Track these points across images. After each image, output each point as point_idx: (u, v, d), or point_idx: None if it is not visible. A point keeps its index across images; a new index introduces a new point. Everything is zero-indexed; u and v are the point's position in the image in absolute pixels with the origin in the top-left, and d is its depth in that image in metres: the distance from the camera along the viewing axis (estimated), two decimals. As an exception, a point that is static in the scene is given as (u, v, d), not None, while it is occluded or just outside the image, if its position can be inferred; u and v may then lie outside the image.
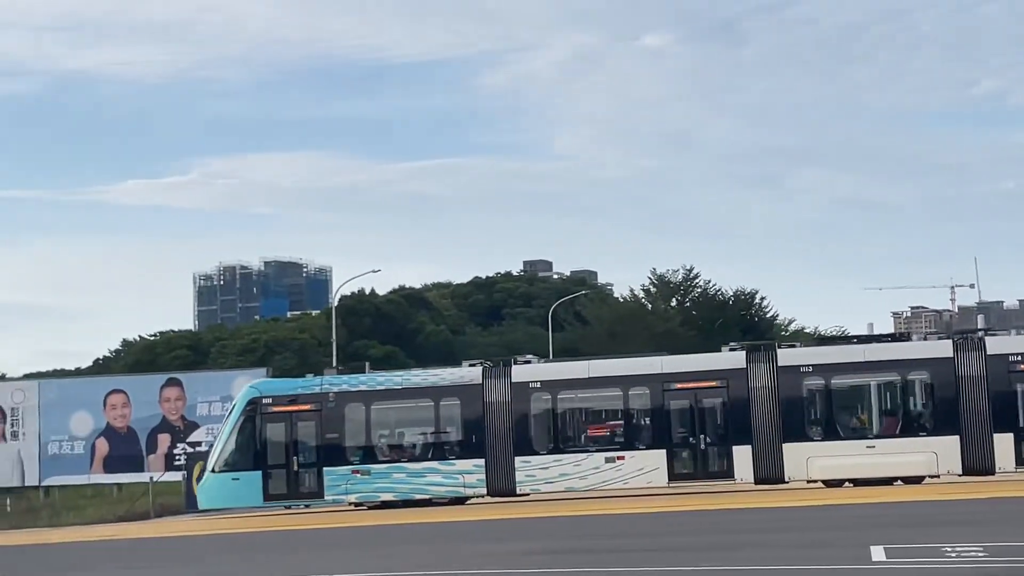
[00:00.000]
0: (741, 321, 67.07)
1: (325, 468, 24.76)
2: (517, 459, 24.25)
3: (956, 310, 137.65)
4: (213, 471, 25.21)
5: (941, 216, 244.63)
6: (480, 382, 24.74)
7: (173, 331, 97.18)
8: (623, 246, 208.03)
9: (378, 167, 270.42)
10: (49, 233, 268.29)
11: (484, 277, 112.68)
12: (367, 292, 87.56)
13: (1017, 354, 23.60)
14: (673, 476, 24.01)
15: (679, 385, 24.31)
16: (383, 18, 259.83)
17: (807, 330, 72.40)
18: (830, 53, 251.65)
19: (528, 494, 24.62)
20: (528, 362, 25.90)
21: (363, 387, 25.46)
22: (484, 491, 24.59)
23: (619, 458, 24.11)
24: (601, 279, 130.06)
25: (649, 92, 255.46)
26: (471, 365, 25.76)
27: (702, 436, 24.23)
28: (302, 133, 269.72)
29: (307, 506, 25.75)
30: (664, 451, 24.02)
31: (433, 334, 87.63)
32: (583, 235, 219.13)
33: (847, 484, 23.52)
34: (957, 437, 23.27)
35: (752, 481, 23.83)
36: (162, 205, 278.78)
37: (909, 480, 23.68)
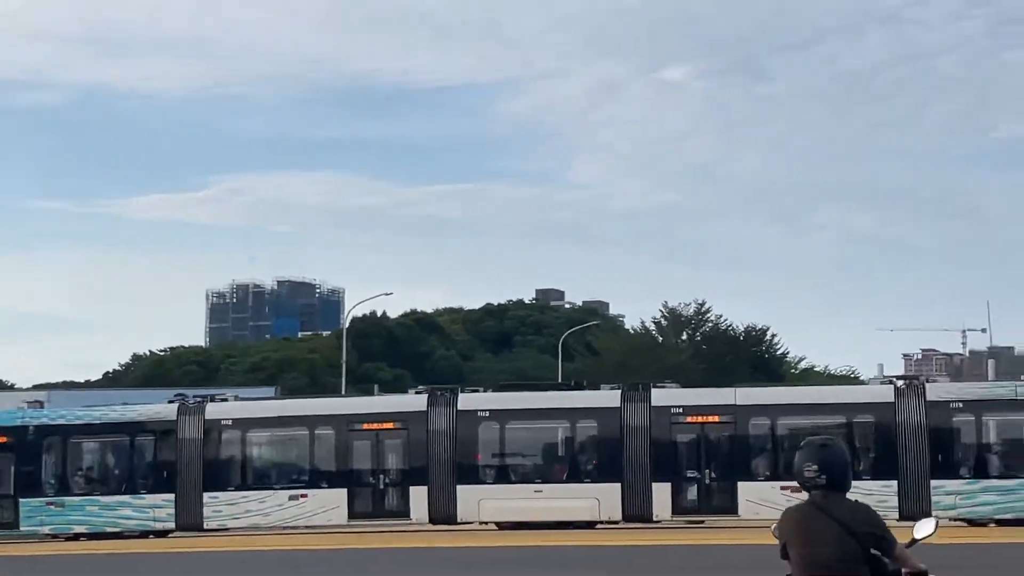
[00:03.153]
0: (752, 357, 67.62)
1: (21, 499, 25.23)
2: (206, 495, 24.90)
3: (967, 354, 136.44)
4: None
5: (957, 259, 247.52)
6: (174, 418, 25.41)
7: (183, 347, 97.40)
8: (636, 278, 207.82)
9: (395, 190, 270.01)
10: (67, 244, 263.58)
11: (496, 304, 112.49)
12: (379, 315, 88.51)
13: (679, 406, 24.83)
14: (353, 514, 24.79)
15: (362, 426, 25.19)
16: (408, 40, 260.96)
17: (817, 368, 73.32)
18: (851, 92, 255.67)
19: (216, 529, 25.27)
20: (225, 399, 26.62)
21: (61, 421, 26.03)
22: (173, 525, 25.21)
23: (302, 496, 24.86)
24: (613, 310, 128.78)
25: (669, 125, 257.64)
26: (170, 401, 26.42)
27: (382, 476, 25.10)
28: (322, 153, 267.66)
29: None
30: (345, 490, 24.81)
31: (443, 359, 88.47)
32: (597, 266, 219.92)
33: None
34: (619, 484, 24.38)
35: (427, 521, 24.71)
36: (180, 220, 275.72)
37: (581, 524, 24.72)
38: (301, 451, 25.98)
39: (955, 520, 23.63)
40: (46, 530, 25.53)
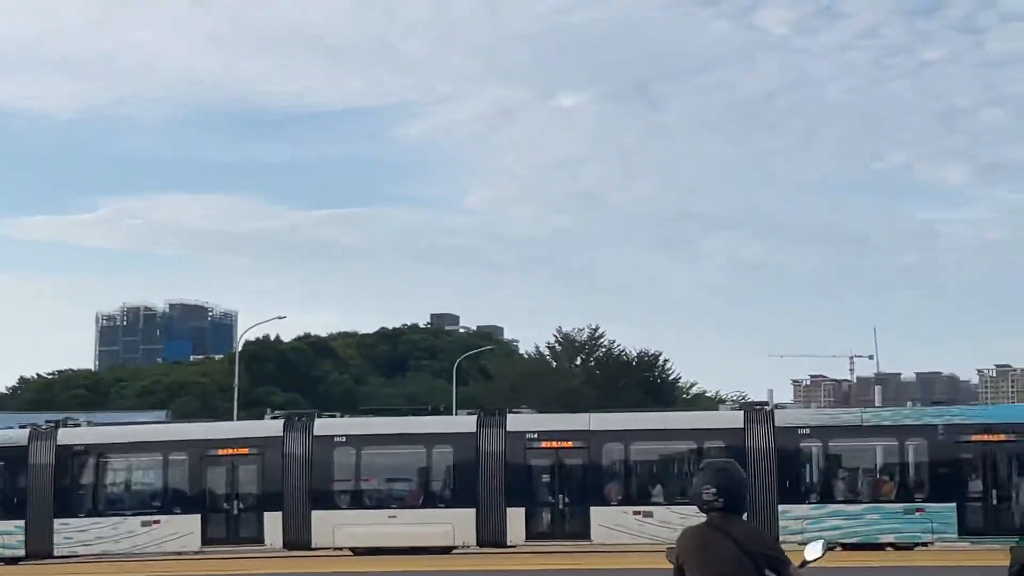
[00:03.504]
0: (644, 382, 68.92)
1: None
2: (56, 521, 24.52)
3: (855, 380, 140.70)
4: None
5: (844, 286, 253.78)
6: (25, 444, 25.03)
7: (72, 370, 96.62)
8: (530, 303, 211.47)
9: (289, 213, 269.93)
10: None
11: (390, 328, 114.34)
12: (272, 338, 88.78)
13: (534, 432, 25.09)
14: (206, 540, 24.60)
15: (217, 451, 25.05)
16: (302, 64, 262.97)
17: (708, 394, 75.41)
18: (742, 119, 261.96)
19: (66, 556, 24.90)
20: (78, 424, 26.35)
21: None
22: (23, 552, 24.77)
23: (155, 522, 24.62)
24: (507, 335, 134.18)
25: (563, 151, 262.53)
26: (21, 427, 26.06)
27: (236, 502, 24.96)
28: (214, 175, 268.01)
29: None
30: (199, 516, 24.63)
31: (336, 383, 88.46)
32: (491, 290, 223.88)
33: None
34: (474, 510, 24.54)
35: (281, 546, 24.61)
36: (68, 242, 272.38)
37: (437, 550, 24.78)
38: (155, 477, 25.78)
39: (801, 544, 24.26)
40: None
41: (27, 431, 25.46)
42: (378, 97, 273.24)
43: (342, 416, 28.21)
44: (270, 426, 25.54)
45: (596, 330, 70.64)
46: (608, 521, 24.27)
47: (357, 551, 24.48)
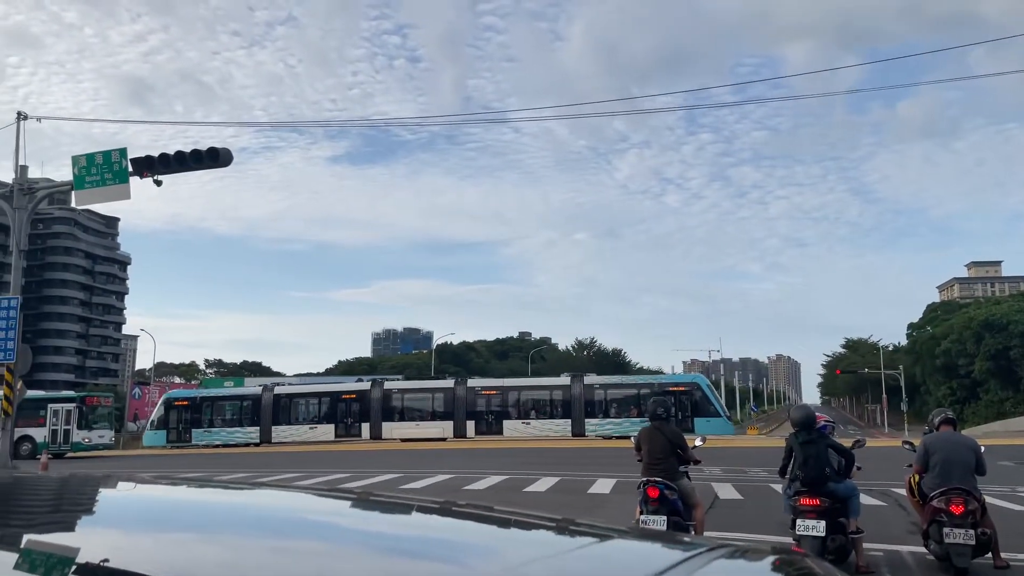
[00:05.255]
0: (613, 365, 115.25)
1: None
2: (274, 428, 55.36)
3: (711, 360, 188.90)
4: None
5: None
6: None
7: (359, 357, 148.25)
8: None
9: (452, 286, 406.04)
10: None
11: (502, 338, 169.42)
12: (449, 342, 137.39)
13: (478, 386, 55.16)
14: (337, 435, 55.06)
15: (343, 395, 55.47)
16: (489, 222, 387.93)
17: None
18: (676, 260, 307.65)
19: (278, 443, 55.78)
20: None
21: None
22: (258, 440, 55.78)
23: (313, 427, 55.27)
24: (555, 341, 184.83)
25: (575, 259, 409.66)
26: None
27: (348, 418, 55.31)
28: (431, 271, 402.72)
29: None
30: (332, 425, 55.19)
31: (475, 362, 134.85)
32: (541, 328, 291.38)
33: None
34: (451, 421, 54.26)
35: (368, 437, 54.74)
36: (366, 302, 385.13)
37: (438, 440, 55.20)
38: (327, 404, 56.26)
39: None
40: None
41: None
42: (495, 235, 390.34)
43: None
44: (365, 385, 55.99)
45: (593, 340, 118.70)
46: (511, 427, 52.90)
47: (403, 440, 54.75)
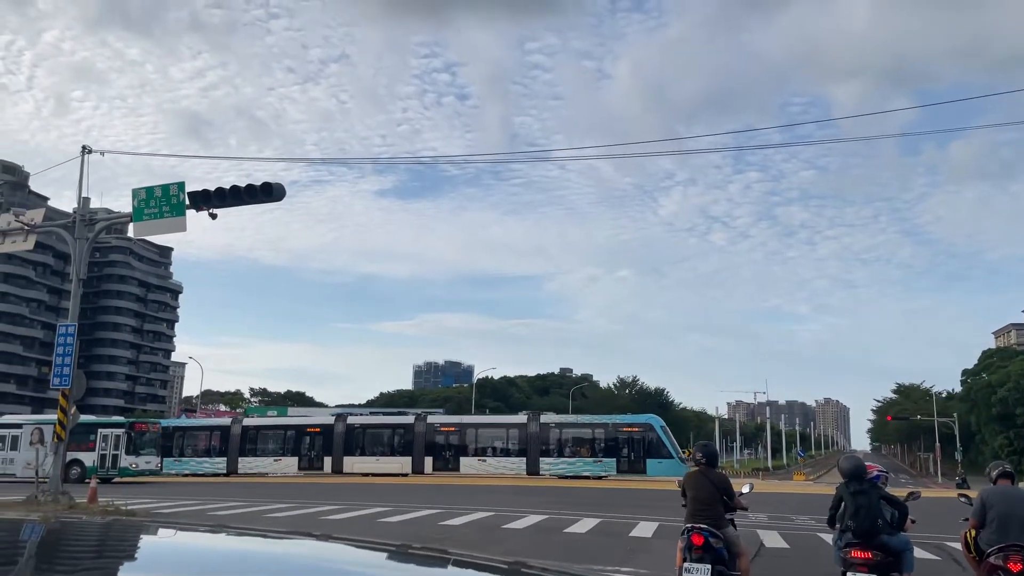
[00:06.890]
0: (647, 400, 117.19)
1: None
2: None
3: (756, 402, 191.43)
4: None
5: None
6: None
7: (400, 389, 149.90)
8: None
9: (494, 320, 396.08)
10: None
11: (543, 373, 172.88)
12: (490, 376, 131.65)
13: (436, 423, 52.80)
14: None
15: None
16: (521, 262, 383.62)
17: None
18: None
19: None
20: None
21: None
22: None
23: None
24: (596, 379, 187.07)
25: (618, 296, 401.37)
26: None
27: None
28: (469, 305, 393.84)
29: None
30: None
31: (516, 397, 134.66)
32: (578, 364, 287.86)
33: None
34: (410, 457, 51.14)
35: (330, 471, 51.20)
36: (397, 333, 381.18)
37: (398, 475, 54.66)
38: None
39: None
40: None
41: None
42: (537, 270, 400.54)
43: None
44: (329, 419, 55.11)
45: (635, 378, 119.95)
46: (467, 464, 49.54)
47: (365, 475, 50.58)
